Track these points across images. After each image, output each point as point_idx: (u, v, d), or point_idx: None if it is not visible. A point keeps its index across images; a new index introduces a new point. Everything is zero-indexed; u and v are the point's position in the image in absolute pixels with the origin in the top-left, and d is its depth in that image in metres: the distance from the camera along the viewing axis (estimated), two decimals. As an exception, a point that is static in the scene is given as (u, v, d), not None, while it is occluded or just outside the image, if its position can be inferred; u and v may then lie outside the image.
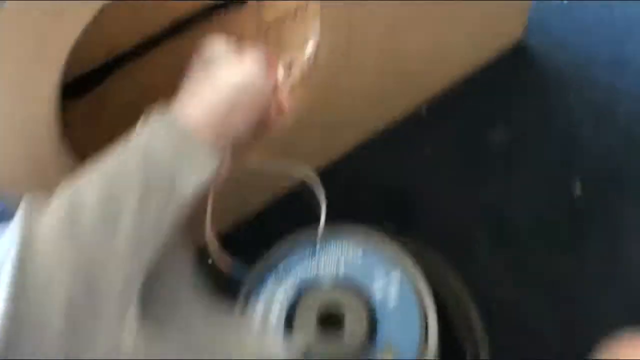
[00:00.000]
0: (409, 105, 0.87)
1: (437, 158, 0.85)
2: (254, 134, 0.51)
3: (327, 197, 0.60)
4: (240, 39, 0.69)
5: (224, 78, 0.48)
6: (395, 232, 0.67)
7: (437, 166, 0.85)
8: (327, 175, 0.76)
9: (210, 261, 0.53)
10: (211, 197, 0.51)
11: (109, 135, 0.47)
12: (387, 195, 0.83)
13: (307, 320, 0.58)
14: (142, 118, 0.45)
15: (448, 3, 0.72)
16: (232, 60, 0.50)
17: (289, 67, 0.67)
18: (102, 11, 0.49)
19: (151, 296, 0.40)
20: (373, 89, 0.77)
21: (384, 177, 0.84)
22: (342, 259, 0.62)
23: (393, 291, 0.60)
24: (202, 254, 0.53)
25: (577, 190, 0.81)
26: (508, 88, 0.90)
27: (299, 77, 0.67)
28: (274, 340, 0.56)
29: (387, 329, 0.58)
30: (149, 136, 0.43)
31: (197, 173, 0.43)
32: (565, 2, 0.97)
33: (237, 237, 0.68)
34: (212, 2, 0.79)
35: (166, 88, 0.53)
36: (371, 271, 0.61)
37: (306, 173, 0.60)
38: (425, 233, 0.78)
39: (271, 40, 0.76)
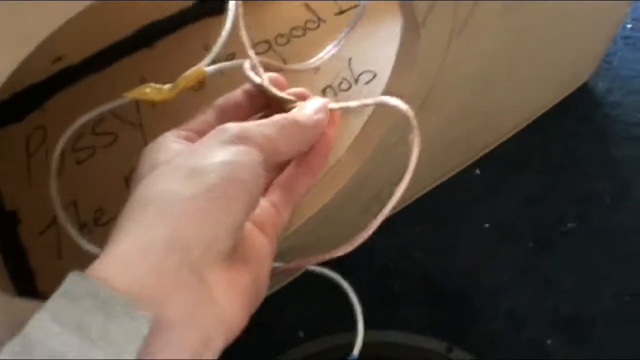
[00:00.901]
0: (459, 164, 0.68)
1: (498, 233, 0.65)
2: None
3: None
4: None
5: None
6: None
7: (498, 245, 0.65)
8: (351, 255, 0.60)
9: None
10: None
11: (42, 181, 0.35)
12: (428, 285, 0.63)
13: None
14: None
15: (529, 49, 0.55)
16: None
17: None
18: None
19: None
20: (430, 149, 0.56)
21: (424, 259, 0.64)
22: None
23: None
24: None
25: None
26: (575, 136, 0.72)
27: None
28: None
29: None
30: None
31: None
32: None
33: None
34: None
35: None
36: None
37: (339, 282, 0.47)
38: (482, 341, 0.60)
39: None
